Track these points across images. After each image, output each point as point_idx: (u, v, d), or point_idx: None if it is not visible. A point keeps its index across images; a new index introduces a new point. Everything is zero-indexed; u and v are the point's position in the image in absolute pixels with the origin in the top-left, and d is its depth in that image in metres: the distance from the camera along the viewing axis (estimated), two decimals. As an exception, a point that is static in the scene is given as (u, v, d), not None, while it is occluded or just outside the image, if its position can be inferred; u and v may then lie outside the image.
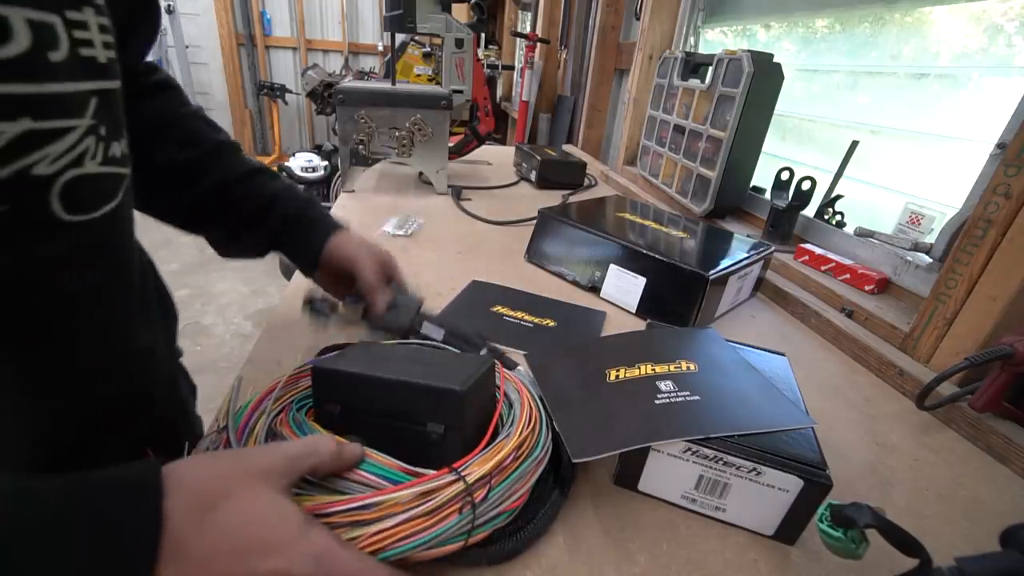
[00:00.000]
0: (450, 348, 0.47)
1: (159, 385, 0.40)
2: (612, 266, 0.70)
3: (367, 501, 0.28)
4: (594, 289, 0.73)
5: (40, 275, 0.28)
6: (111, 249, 0.32)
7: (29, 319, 0.28)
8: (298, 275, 0.70)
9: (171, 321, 0.49)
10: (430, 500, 0.28)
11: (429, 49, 3.24)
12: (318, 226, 0.52)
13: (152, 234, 0.47)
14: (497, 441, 0.33)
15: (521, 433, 0.34)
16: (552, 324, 0.63)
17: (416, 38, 3.14)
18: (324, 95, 3.23)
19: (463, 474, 0.30)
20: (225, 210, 0.49)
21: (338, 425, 0.34)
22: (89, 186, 0.28)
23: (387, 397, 0.34)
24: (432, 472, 0.30)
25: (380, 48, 4.51)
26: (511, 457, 0.32)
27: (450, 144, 1.16)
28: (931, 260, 0.69)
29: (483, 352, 0.48)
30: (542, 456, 0.35)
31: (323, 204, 0.55)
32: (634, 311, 0.68)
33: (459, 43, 1.05)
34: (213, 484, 0.25)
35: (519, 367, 0.47)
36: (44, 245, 0.27)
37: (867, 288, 0.73)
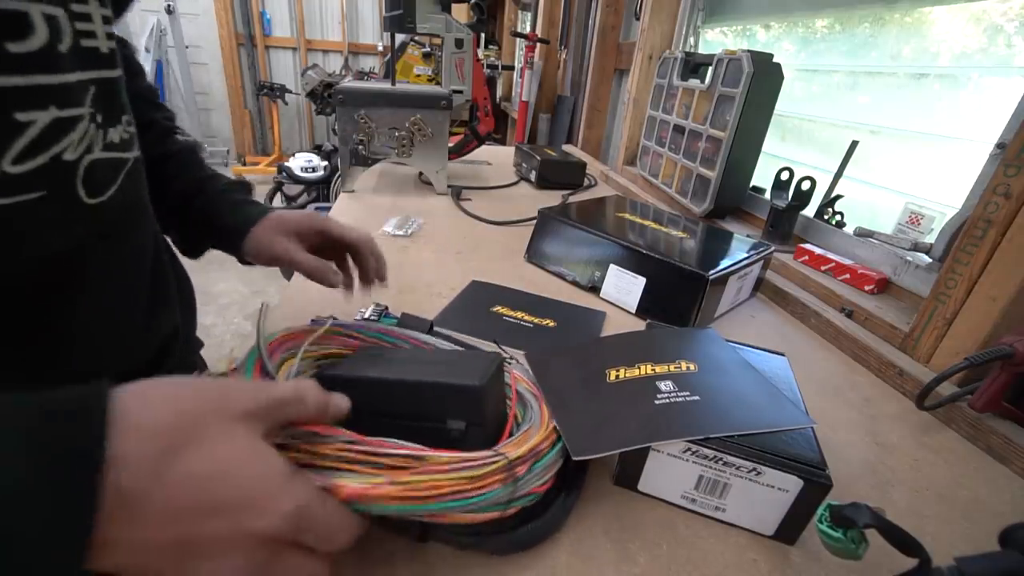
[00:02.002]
0: (448, 346, 0.48)
1: (176, 364, 0.40)
2: (612, 266, 0.70)
3: (419, 452, 0.28)
4: (594, 289, 0.73)
5: (70, 255, 0.29)
6: (119, 231, 0.33)
7: (55, 299, 0.29)
8: (299, 275, 0.70)
9: (188, 299, 0.48)
10: (473, 468, 0.29)
11: (429, 49, 3.24)
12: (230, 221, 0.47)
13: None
14: (521, 432, 0.34)
15: (548, 426, 0.35)
16: (552, 324, 0.63)
17: (416, 38, 3.14)
18: (324, 95, 3.23)
19: (502, 452, 0.30)
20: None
21: (355, 428, 0.34)
22: (99, 170, 0.30)
23: (405, 398, 0.34)
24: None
25: (380, 48, 4.51)
26: (544, 442, 0.33)
27: (450, 144, 1.16)
28: (931, 260, 0.69)
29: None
30: (563, 450, 0.36)
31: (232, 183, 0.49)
32: (634, 311, 0.68)
33: (459, 43, 1.05)
34: (179, 422, 0.21)
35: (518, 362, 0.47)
36: (73, 226, 0.28)
37: (867, 288, 0.73)
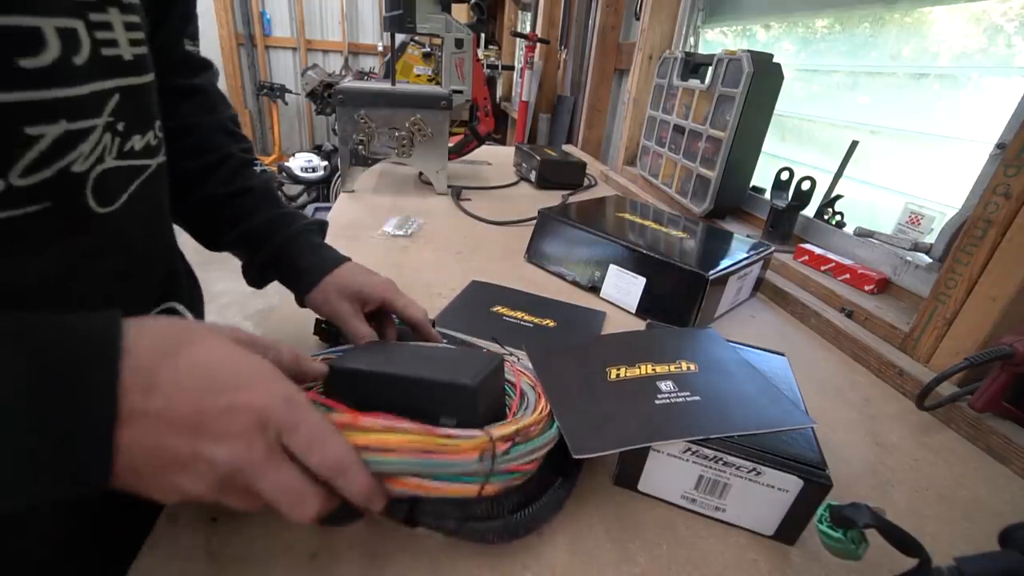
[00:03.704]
0: (456, 344, 0.48)
1: None
2: (612, 266, 0.70)
3: (399, 424, 0.29)
4: (594, 289, 0.73)
5: (77, 264, 0.29)
6: (131, 238, 0.33)
7: (65, 307, 0.29)
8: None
9: (198, 303, 0.49)
10: (452, 440, 0.29)
11: (429, 49, 3.24)
12: (309, 265, 0.47)
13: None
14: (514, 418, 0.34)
15: (541, 411, 0.35)
16: (552, 324, 0.63)
17: (416, 38, 3.14)
18: (324, 95, 3.23)
19: (488, 431, 0.31)
20: (213, 226, 0.49)
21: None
22: (111, 179, 0.30)
23: (400, 393, 0.34)
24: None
25: (380, 48, 4.51)
26: (534, 426, 0.33)
27: (450, 144, 1.16)
28: (931, 260, 0.69)
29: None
30: (556, 435, 0.36)
31: (314, 220, 0.49)
32: (634, 311, 0.68)
33: (459, 43, 1.05)
34: (177, 330, 0.25)
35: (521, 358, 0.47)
36: (80, 236, 0.29)
37: (867, 288, 0.73)
